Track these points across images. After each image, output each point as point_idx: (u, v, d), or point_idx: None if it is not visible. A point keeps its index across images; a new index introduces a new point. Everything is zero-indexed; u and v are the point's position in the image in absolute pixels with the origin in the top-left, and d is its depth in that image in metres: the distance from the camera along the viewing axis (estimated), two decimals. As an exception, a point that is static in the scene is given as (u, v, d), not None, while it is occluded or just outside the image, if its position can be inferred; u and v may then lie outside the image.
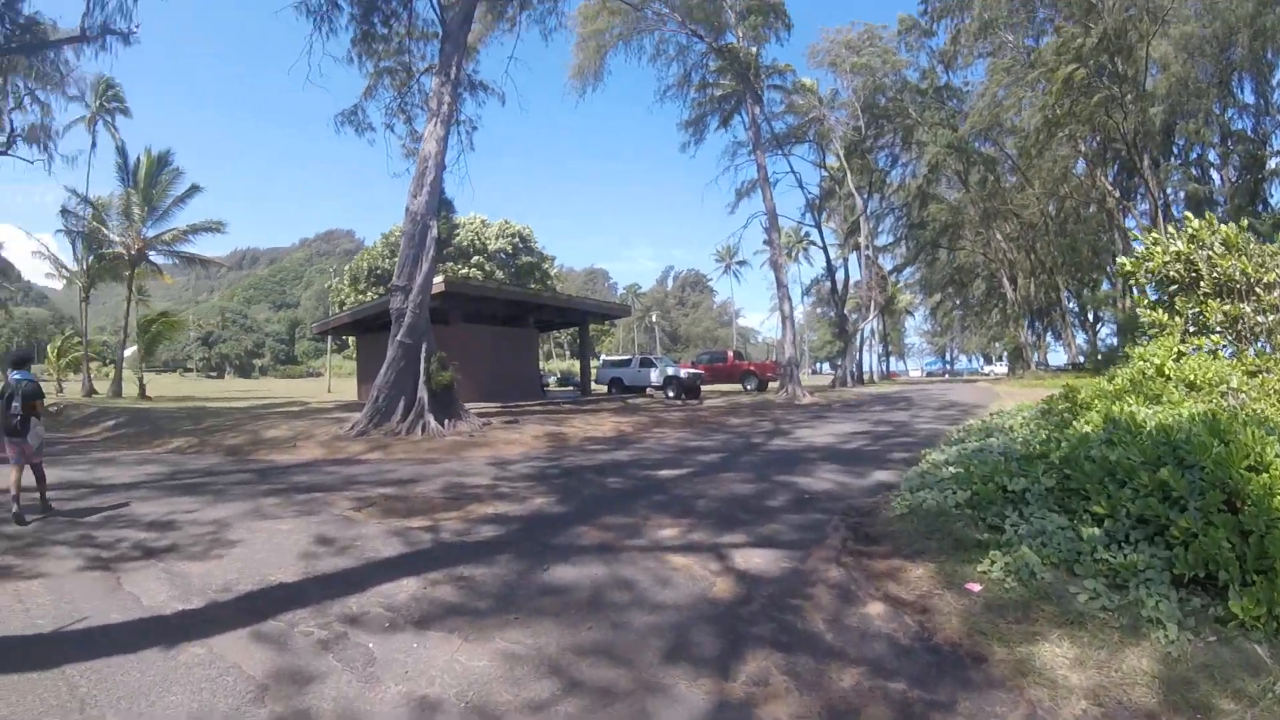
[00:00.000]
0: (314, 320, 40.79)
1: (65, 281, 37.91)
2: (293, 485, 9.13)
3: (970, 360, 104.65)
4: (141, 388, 33.67)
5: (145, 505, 7.82)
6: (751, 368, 35.71)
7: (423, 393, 14.02)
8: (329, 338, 57.40)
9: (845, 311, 46.85)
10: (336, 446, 12.70)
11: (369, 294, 45.34)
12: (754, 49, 32.16)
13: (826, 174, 46.16)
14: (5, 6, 20.26)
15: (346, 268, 54.22)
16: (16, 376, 7.61)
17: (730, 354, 37.55)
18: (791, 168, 50.26)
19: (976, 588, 4.15)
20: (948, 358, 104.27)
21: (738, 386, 35.51)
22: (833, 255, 48.37)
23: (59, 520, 7.13)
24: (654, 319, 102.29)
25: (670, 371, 29.65)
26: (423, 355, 14.28)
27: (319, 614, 4.21)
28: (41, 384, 7.96)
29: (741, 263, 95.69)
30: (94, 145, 41.27)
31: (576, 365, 60.76)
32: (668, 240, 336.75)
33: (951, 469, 6.28)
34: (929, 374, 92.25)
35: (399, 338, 14.25)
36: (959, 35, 40.59)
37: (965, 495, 5.47)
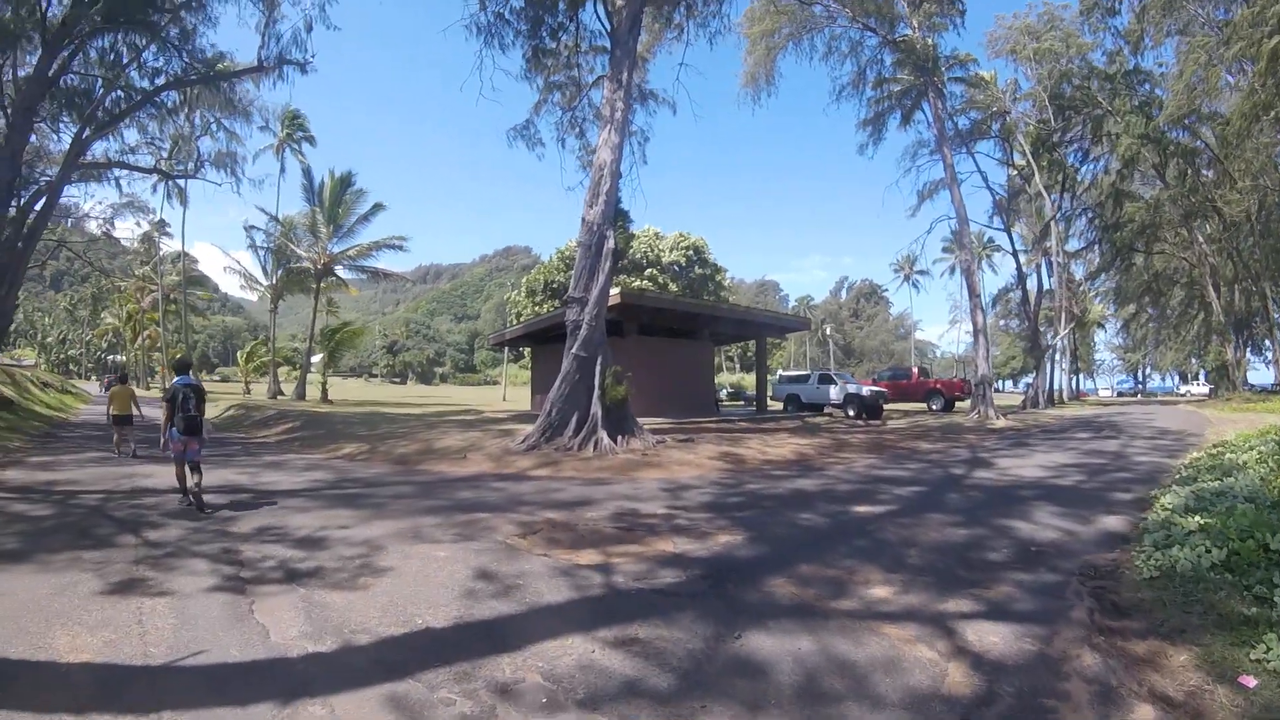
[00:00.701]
0: (492, 331, 42.35)
1: (249, 292, 41.67)
2: (456, 502, 8.71)
3: (1164, 379, 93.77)
4: (324, 392, 36.16)
5: (300, 516, 7.64)
6: (938, 385, 33.10)
7: (596, 408, 13.51)
8: (505, 348, 59.84)
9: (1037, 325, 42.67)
10: (506, 460, 12.39)
11: (545, 306, 46.65)
12: (931, 40, 29.87)
13: (1014, 172, 42.36)
14: (182, 40, 22.05)
15: (523, 281, 56.16)
16: (181, 381, 8.35)
17: (915, 370, 35.03)
18: (977, 165, 46.72)
19: (1252, 682, 3.38)
20: (1139, 376, 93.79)
21: (921, 406, 33.07)
22: (1020, 262, 44.32)
23: (208, 528, 7.02)
24: (828, 331, 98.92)
25: (851, 389, 27.87)
26: (597, 369, 13.78)
27: (465, 678, 3.48)
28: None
29: (921, 272, 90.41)
30: (282, 170, 45.27)
31: (746, 378, 59.49)
32: (840, 249, 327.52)
33: (1197, 519, 5.54)
34: (1120, 394, 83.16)
35: (574, 350, 13.84)
36: (1144, 12, 35.83)
37: (1220, 555, 4.70)
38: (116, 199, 46.05)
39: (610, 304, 15.61)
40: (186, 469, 8.27)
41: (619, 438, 13.53)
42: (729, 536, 6.79)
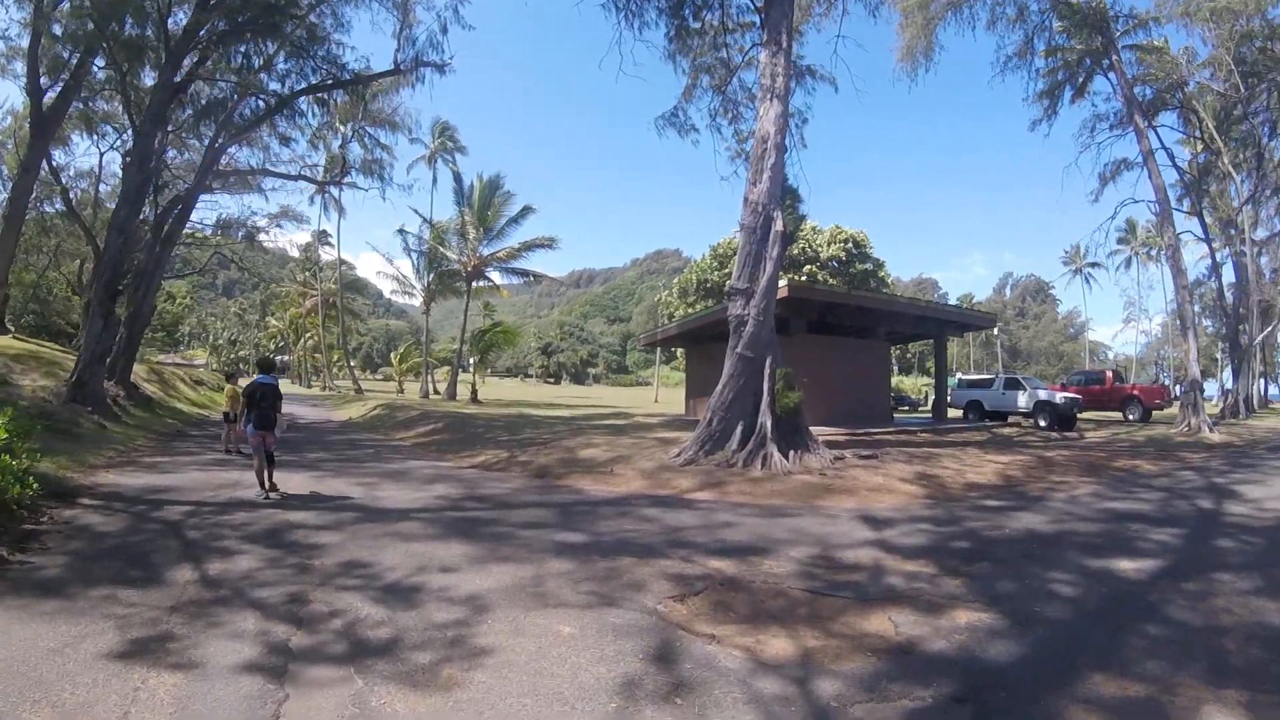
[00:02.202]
0: (643, 332, 41.30)
1: (409, 297, 42.66)
2: (596, 538, 6.95)
3: None
4: (474, 393, 36.15)
5: (400, 549, 6.31)
6: (1136, 392, 28.68)
7: (765, 417, 11.46)
8: (657, 349, 58.99)
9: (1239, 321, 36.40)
10: (660, 478, 10.56)
11: (697, 306, 44.92)
12: (1103, -1, 25.67)
13: (1201, 146, 36.18)
14: (311, 44, 21.82)
15: (675, 281, 54.89)
16: (263, 379, 8.96)
17: (1109, 375, 30.56)
18: (1160, 142, 40.50)
19: None
20: None
21: (1114, 415, 28.77)
22: (1214, 250, 38.05)
23: (286, 560, 5.81)
24: (994, 332, 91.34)
25: (1042, 395, 24.28)
26: (766, 371, 11.74)
27: None
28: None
29: (1093, 264, 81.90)
30: (435, 180, 46.32)
31: (904, 381, 55.18)
32: (1001, 243, 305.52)
33: None
34: None
35: (738, 350, 11.86)
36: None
37: None
38: (274, 210, 49.01)
39: (778, 297, 13.53)
40: (265, 461, 8.73)
41: (791, 453, 11.42)
42: (969, 613, 4.73)
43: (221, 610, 4.53)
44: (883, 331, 21.45)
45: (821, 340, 19.34)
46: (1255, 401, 49.10)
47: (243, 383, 10.90)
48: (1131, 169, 33.10)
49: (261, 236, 38.15)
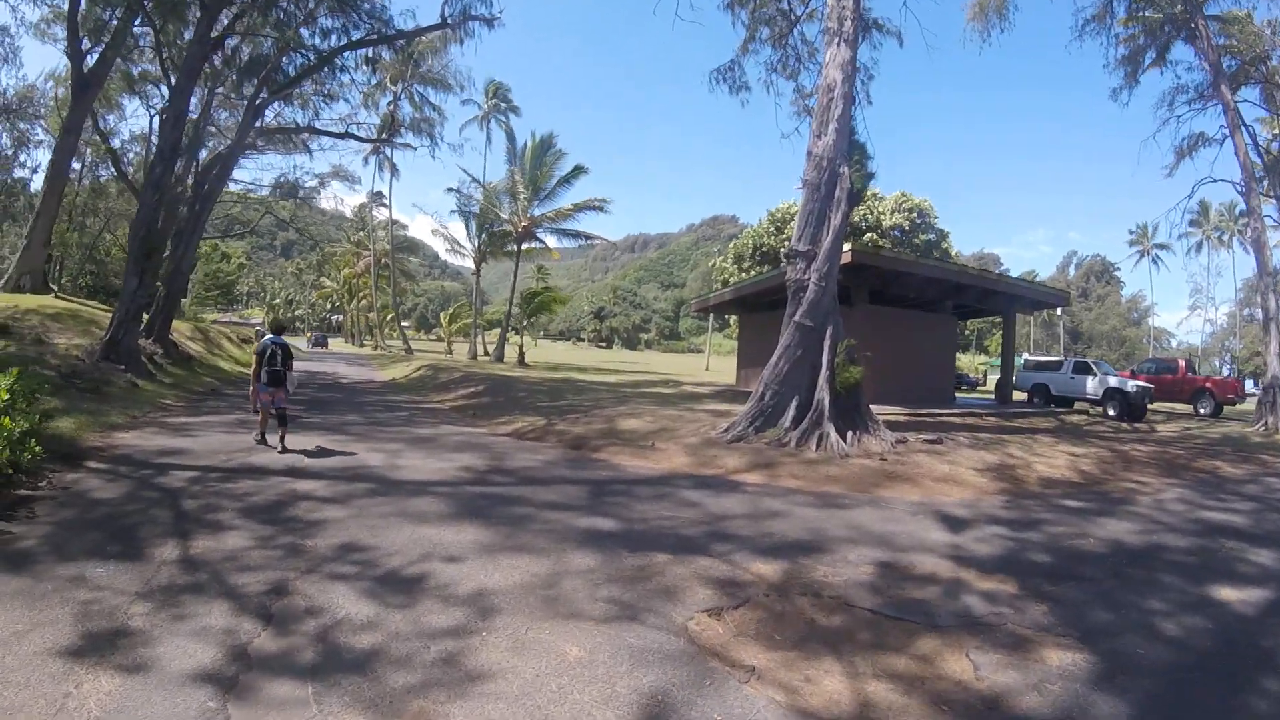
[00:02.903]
0: (695, 297, 40.29)
1: (461, 258, 42.27)
2: (627, 526, 6.13)
3: None
4: (520, 355, 35.67)
5: (405, 533, 5.55)
6: (1208, 385, 26.61)
7: (823, 393, 10.44)
8: (710, 315, 57.83)
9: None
10: (704, 455, 9.66)
11: (752, 272, 43.32)
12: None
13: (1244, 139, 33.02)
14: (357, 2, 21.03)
15: (730, 245, 53.16)
16: (271, 339, 9.28)
17: (1182, 365, 28.44)
18: (1242, 119, 37.20)
19: None
20: None
21: (1184, 407, 26.81)
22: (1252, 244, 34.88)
23: (278, 539, 5.20)
24: (1058, 312, 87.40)
25: (1113, 382, 22.56)
26: (826, 343, 10.70)
27: None
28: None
29: (1161, 246, 77.43)
30: (489, 141, 45.78)
31: (963, 359, 52.76)
32: (1065, 221, 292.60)
33: None
34: None
35: (796, 318, 10.82)
36: None
37: None
38: (325, 170, 48.89)
39: (841, 263, 12.38)
40: (273, 418, 9.17)
41: (849, 434, 10.40)
42: (1061, 652, 3.86)
43: (190, 599, 3.92)
44: (949, 305, 19.96)
45: (884, 312, 17.99)
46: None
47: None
48: (1209, 145, 30.33)
49: (313, 197, 38.16)
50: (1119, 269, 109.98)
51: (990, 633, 4.07)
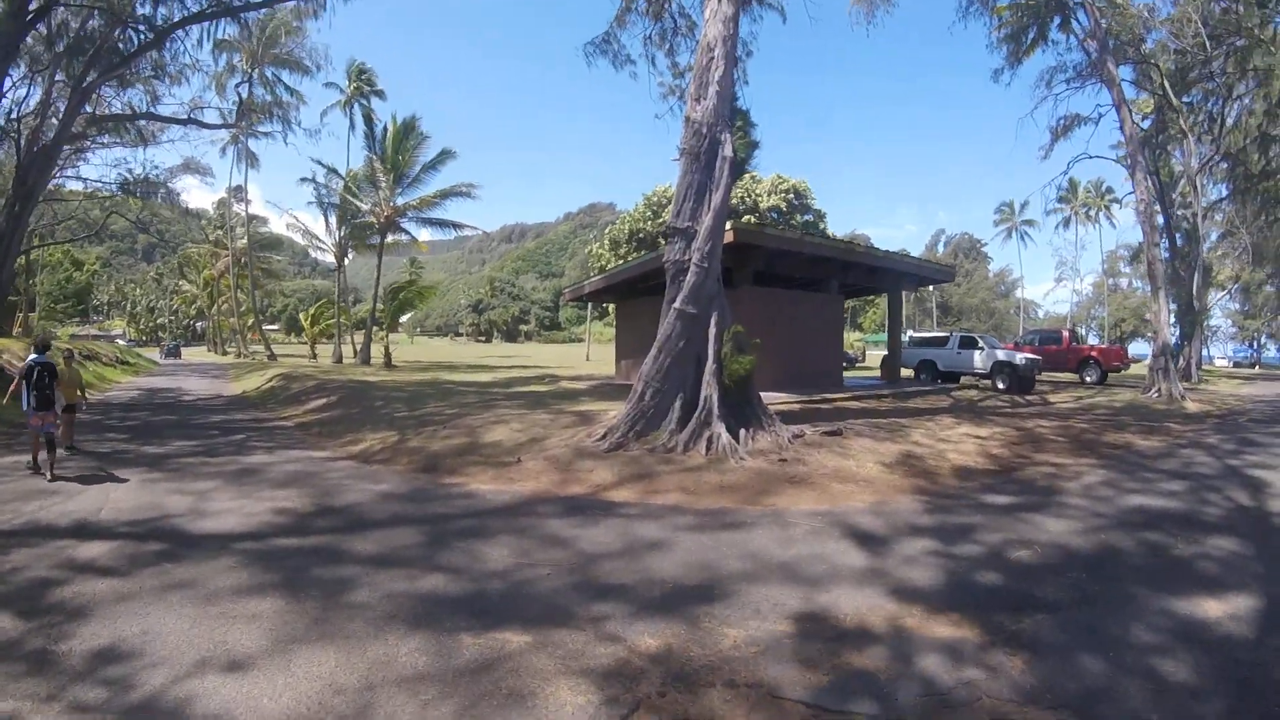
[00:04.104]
0: (569, 286, 38.67)
1: (321, 253, 38.97)
2: (475, 584, 4.76)
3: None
4: (387, 356, 33.03)
5: (187, 618, 4.16)
6: (1094, 354, 27.50)
7: (710, 388, 9.19)
8: (587, 304, 55.95)
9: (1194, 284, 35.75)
10: (575, 470, 8.21)
11: (630, 259, 41.98)
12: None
13: (1152, 107, 35.15)
14: None
15: (606, 231, 51.33)
16: (37, 358, 8.60)
17: (1066, 334, 29.29)
18: (1114, 99, 39.50)
19: None
20: (1255, 345, 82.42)
21: (1071, 377, 27.66)
22: (1167, 211, 37.23)
23: (21, 648, 3.74)
24: (930, 289, 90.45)
25: (1001, 356, 22.62)
26: (711, 331, 9.45)
27: None
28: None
29: (1028, 223, 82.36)
30: (352, 126, 42.41)
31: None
32: (933, 201, 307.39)
33: None
34: (1236, 364, 72.36)
35: (677, 304, 9.48)
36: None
37: None
38: (177, 163, 44.33)
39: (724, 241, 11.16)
40: (43, 441, 8.46)
41: (741, 431, 9.22)
42: None
43: None
44: (835, 284, 19.29)
45: (770, 294, 16.95)
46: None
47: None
48: (1085, 124, 31.83)
49: (162, 192, 34.15)
50: (985, 245, 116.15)
51: (969, 715, 2.87)
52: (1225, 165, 39.10)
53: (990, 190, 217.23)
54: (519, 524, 6.22)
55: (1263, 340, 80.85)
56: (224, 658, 3.52)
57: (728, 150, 9.92)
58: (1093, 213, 77.57)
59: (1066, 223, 78.54)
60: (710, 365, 9.25)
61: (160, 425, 13.85)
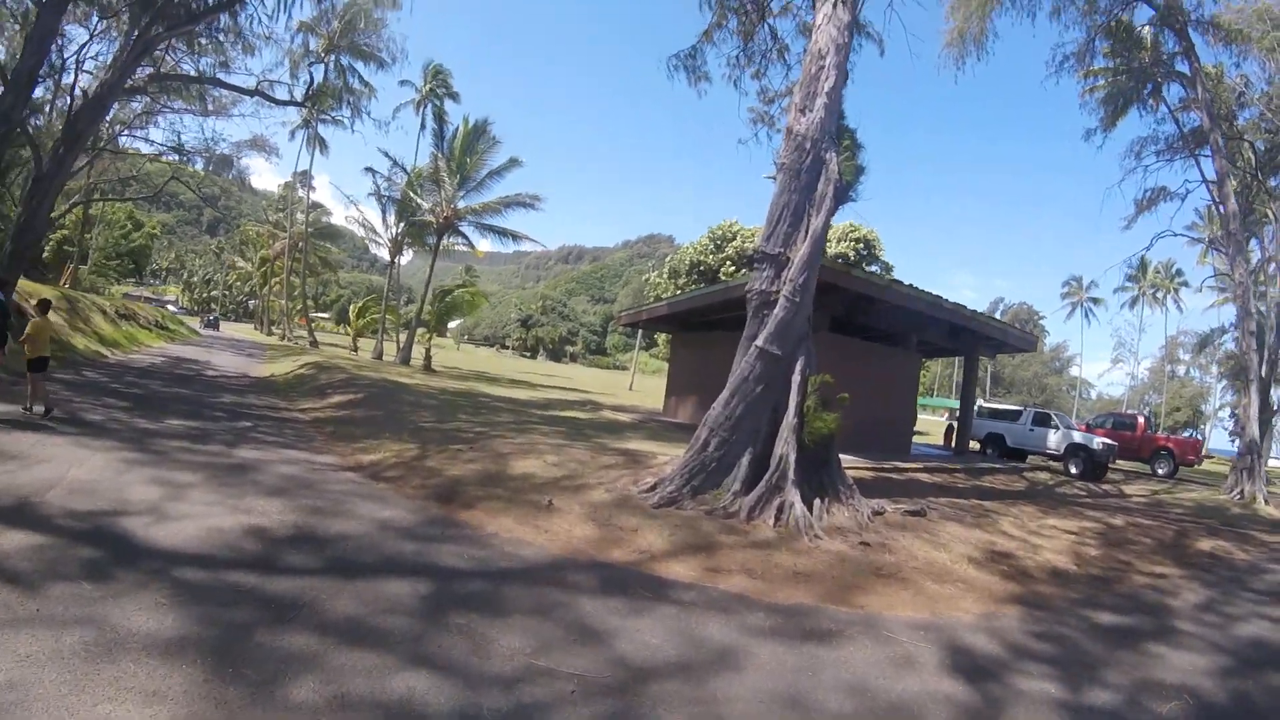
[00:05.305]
0: (623, 310, 37.12)
1: (377, 247, 38.45)
2: (471, 695, 3.38)
3: None
4: (427, 359, 32.06)
5: (54, 670, 3.05)
6: (1168, 445, 25.39)
7: (788, 446, 7.69)
8: (639, 332, 54.65)
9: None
10: (618, 526, 6.73)
11: (689, 290, 40.82)
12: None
13: (1238, 185, 32.91)
14: None
15: (667, 259, 50.04)
16: None
17: (1141, 422, 27.14)
18: (1203, 175, 37.24)
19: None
20: None
21: (1141, 466, 25.56)
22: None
23: None
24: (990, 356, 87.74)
25: (1077, 438, 20.74)
26: (795, 379, 7.99)
27: None
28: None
29: (1094, 300, 79.26)
30: (423, 126, 42.03)
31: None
32: (992, 267, 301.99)
33: None
34: None
35: (760, 342, 8.01)
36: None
37: None
38: (243, 136, 44.42)
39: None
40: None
41: (816, 501, 7.72)
42: None
43: None
44: (914, 340, 17.67)
45: (846, 343, 15.32)
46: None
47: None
48: (1169, 200, 29.75)
49: (227, 167, 34.08)
50: (1044, 317, 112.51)
51: None
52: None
53: (1051, 262, 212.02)
54: (543, 598, 4.81)
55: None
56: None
57: (833, 170, 8.51)
58: (1160, 295, 74.33)
59: (1133, 303, 75.50)
60: (790, 419, 7.76)
61: (167, 398, 12.84)
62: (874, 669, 4.27)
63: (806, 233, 8.27)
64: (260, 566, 4.74)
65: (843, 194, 8.73)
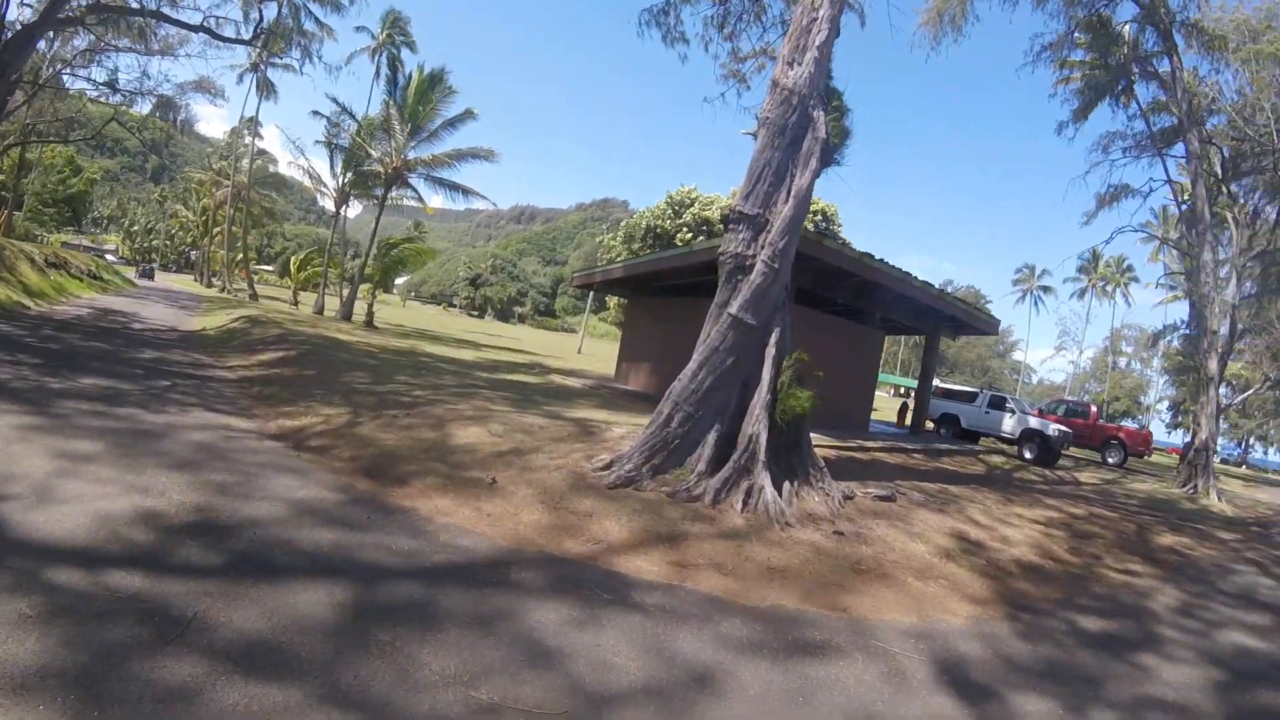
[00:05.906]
0: (576, 272, 35.90)
1: (323, 197, 36.64)
2: None
3: (1265, 452, 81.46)
4: (369, 315, 30.72)
5: None
6: (1120, 435, 25.76)
7: (759, 424, 7.07)
8: (589, 295, 53.41)
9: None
10: (570, 510, 6.02)
11: (643, 255, 39.77)
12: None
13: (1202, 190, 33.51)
14: None
15: (622, 223, 48.80)
16: None
17: (1094, 410, 27.49)
18: (1168, 176, 37.83)
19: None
20: (1243, 445, 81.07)
21: (1092, 454, 25.90)
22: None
23: None
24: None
25: (1033, 424, 20.78)
26: (770, 351, 7.36)
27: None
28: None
29: (1045, 288, 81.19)
30: (377, 74, 39.96)
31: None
32: (946, 254, 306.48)
33: None
34: (1222, 460, 71.17)
35: (733, 310, 7.31)
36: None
37: None
38: (189, 78, 41.90)
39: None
40: None
41: (786, 485, 7.15)
42: None
43: None
44: (878, 317, 17.24)
45: (813, 317, 14.71)
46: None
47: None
48: (1130, 196, 30.06)
49: (171, 108, 31.99)
50: (990, 301, 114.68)
51: None
52: (1255, 264, 37.53)
53: (1007, 251, 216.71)
54: (484, 604, 4.08)
55: (1250, 441, 79.67)
56: None
57: (820, 130, 7.82)
58: (1110, 288, 76.45)
59: (1082, 294, 77.57)
60: (763, 395, 7.13)
61: (86, 354, 11.64)
62: (872, 692, 3.72)
63: (789, 193, 7.58)
64: (147, 564, 3.88)
65: (829, 155, 8.07)
